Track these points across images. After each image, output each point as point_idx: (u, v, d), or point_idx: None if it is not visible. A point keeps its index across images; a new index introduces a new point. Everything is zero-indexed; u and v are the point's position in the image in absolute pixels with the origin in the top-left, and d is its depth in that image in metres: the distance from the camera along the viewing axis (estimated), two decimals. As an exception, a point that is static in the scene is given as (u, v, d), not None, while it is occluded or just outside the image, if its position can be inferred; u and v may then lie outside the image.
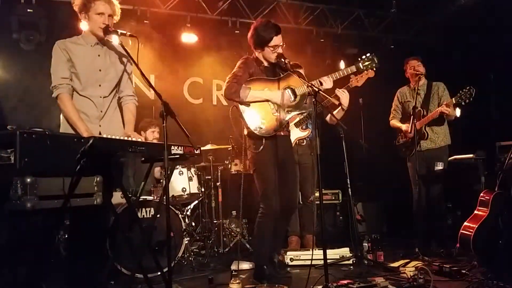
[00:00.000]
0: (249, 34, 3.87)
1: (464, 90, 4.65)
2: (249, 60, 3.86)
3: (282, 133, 3.89)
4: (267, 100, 3.75)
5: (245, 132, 3.82)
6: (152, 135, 5.22)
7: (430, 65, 5.22)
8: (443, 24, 7.13)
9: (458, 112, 4.89)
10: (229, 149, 5.55)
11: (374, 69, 3.94)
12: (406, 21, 7.36)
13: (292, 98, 3.82)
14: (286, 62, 3.70)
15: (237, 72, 3.76)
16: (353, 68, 3.91)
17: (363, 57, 3.93)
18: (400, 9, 6.83)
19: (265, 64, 3.89)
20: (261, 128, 3.72)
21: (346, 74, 3.90)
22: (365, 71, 4.01)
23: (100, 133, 3.18)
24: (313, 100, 3.33)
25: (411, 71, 5.12)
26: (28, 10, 5.45)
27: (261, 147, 3.72)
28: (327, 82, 3.82)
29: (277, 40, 3.76)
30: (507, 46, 5.87)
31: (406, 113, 5.16)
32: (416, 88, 4.96)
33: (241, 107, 3.73)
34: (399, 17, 7.17)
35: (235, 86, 3.68)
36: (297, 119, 4.82)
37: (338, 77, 3.88)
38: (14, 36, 5.48)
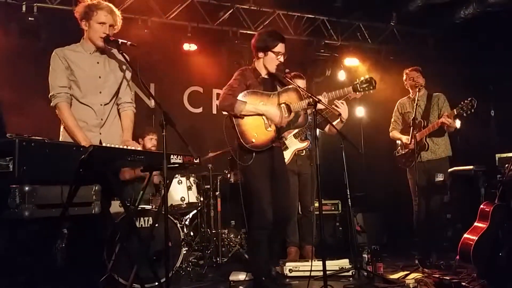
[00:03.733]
0: (253, 40, 3.86)
1: (465, 101, 4.64)
2: (247, 71, 3.85)
3: (273, 145, 3.85)
4: (262, 114, 3.74)
5: (236, 143, 3.78)
6: (150, 142, 5.20)
7: (429, 76, 5.23)
8: (443, 36, 7.16)
9: (458, 123, 4.88)
10: (228, 158, 5.54)
11: (371, 91, 3.93)
12: (405, 33, 7.39)
13: (287, 115, 3.81)
14: (287, 71, 3.71)
15: (233, 83, 3.74)
16: (350, 90, 3.89)
17: (362, 78, 3.91)
18: (400, 21, 6.88)
19: (263, 75, 3.87)
20: (252, 142, 3.69)
21: (343, 94, 3.90)
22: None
23: (100, 141, 3.17)
24: (313, 110, 3.34)
25: (410, 82, 5.13)
26: (30, 18, 5.47)
27: (251, 160, 3.69)
28: (322, 100, 3.84)
29: (280, 47, 3.77)
30: (507, 58, 5.90)
31: (407, 124, 5.14)
32: (416, 99, 4.97)
33: (235, 119, 3.71)
34: (399, 28, 7.21)
35: (230, 98, 3.66)
36: (296, 130, 4.80)
37: (335, 97, 3.88)
38: (15, 43, 5.49)
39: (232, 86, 3.72)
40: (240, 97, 3.67)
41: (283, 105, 3.80)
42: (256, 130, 3.72)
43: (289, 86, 3.86)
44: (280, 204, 3.82)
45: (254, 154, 3.69)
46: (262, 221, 3.70)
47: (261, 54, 3.83)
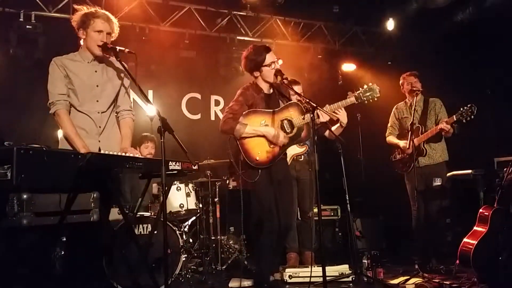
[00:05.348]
0: (243, 64, 3.92)
1: (465, 107, 4.60)
2: (249, 90, 3.86)
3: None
4: (262, 136, 3.77)
5: (241, 160, 3.82)
6: (146, 150, 5.19)
7: (427, 81, 5.24)
8: (440, 40, 7.18)
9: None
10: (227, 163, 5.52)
11: (376, 99, 3.90)
12: (403, 38, 7.42)
13: (289, 130, 3.82)
14: (284, 77, 3.72)
15: (234, 105, 3.78)
16: (353, 99, 3.88)
17: (365, 86, 3.90)
18: (397, 25, 6.91)
19: (265, 91, 3.89)
20: (256, 159, 3.74)
21: (345, 105, 3.89)
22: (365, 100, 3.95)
23: (99, 149, 3.17)
24: (311, 115, 3.34)
25: (408, 87, 5.13)
26: (27, 26, 5.48)
27: (257, 177, 3.73)
28: (324, 116, 3.85)
29: (270, 57, 3.80)
30: (505, 62, 5.91)
31: (404, 129, 5.15)
32: (412, 104, 4.97)
33: (238, 139, 3.77)
34: (396, 33, 7.23)
35: (230, 122, 3.71)
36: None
37: (337, 109, 3.88)
38: (13, 52, 5.50)
39: (232, 109, 3.76)
40: (241, 118, 3.72)
41: (285, 121, 3.82)
42: (259, 148, 3.76)
43: (291, 102, 3.89)
44: (284, 214, 3.85)
45: (260, 170, 3.73)
46: (272, 226, 3.73)
47: (256, 73, 3.86)
